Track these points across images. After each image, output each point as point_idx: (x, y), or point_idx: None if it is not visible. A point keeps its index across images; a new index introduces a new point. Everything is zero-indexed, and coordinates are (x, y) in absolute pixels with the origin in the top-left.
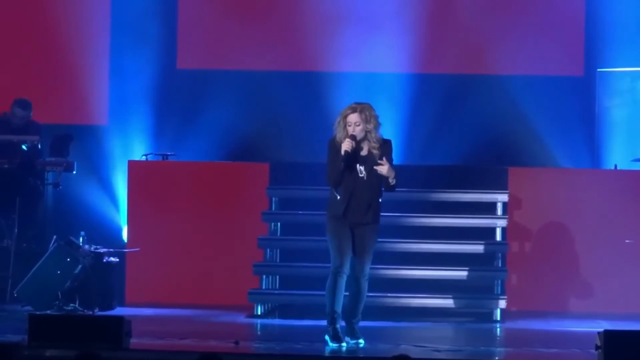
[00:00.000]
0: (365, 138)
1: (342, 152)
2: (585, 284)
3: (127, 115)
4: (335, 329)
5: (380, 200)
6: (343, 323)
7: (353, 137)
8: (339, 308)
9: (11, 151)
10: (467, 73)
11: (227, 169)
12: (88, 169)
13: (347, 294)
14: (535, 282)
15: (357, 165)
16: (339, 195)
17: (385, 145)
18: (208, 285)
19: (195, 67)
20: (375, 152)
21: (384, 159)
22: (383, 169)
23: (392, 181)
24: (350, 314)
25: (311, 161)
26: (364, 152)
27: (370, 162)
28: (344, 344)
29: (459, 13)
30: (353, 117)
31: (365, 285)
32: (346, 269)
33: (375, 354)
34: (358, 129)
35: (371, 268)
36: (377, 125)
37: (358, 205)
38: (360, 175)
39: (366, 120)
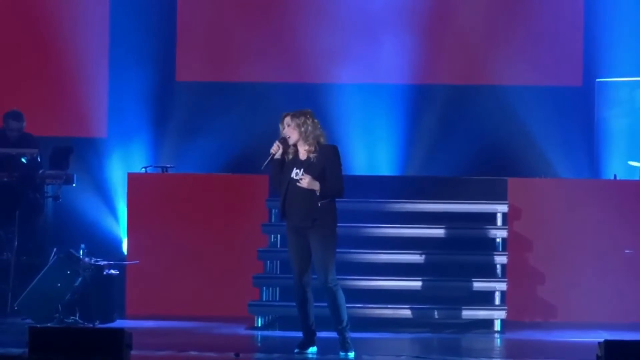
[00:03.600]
0: (302, 142)
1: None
2: (585, 294)
3: (126, 128)
4: (302, 339)
5: (321, 204)
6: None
7: (283, 140)
8: (307, 321)
9: (10, 164)
10: (466, 84)
11: (226, 181)
12: (88, 181)
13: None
14: (535, 293)
15: (294, 168)
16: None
17: (325, 151)
18: (208, 297)
19: (195, 79)
20: (312, 156)
21: (302, 172)
22: (303, 183)
23: (317, 193)
24: (334, 322)
25: None
26: (303, 157)
27: (307, 166)
28: (310, 350)
29: (458, 24)
30: (286, 120)
31: (335, 291)
32: (303, 281)
33: None
34: (289, 129)
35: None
36: (315, 131)
37: (292, 206)
38: (296, 177)
39: (299, 124)
